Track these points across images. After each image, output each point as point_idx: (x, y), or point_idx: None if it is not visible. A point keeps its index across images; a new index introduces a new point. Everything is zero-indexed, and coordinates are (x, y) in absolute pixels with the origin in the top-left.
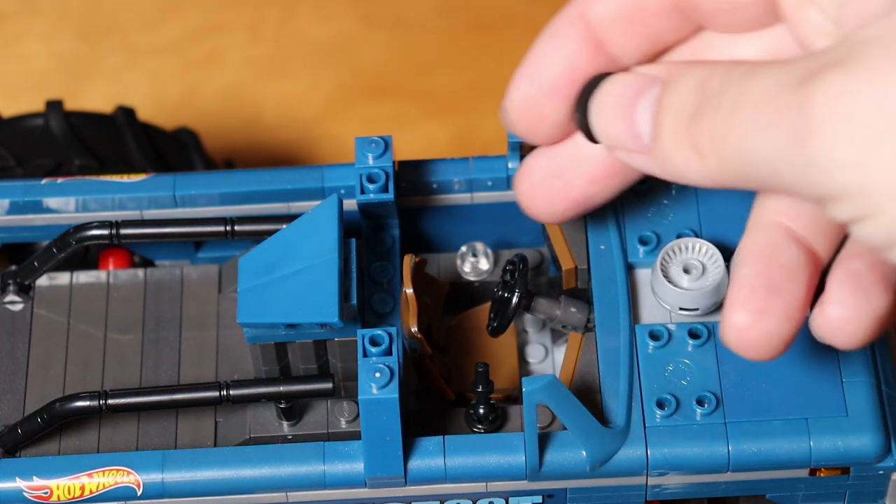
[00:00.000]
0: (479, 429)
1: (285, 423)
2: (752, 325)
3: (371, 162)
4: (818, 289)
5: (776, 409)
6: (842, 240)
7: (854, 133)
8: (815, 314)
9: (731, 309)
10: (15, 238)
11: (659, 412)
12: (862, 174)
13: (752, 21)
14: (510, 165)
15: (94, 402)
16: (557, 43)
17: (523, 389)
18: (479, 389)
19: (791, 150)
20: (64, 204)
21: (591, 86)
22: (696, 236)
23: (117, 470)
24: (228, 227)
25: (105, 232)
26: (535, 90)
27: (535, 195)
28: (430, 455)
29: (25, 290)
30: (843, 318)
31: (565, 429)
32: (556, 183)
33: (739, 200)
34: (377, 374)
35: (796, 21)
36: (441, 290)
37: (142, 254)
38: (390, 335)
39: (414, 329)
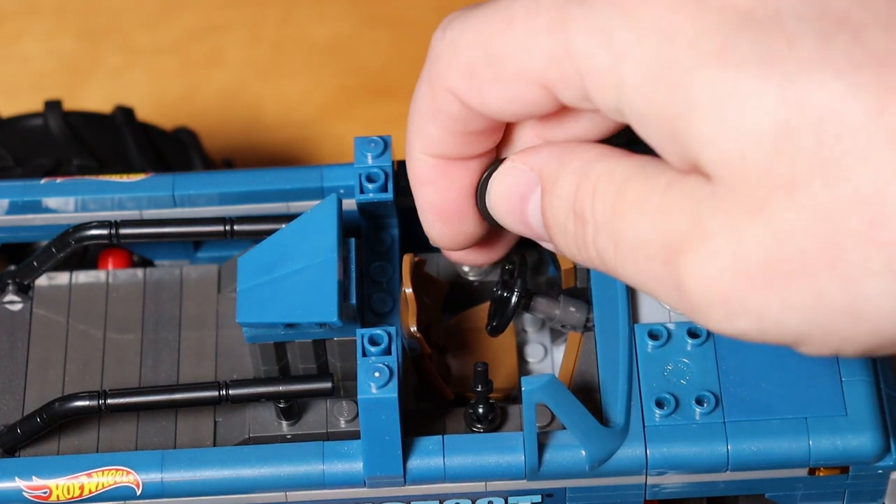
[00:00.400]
0: (478, 428)
1: (284, 423)
2: None
3: (370, 161)
4: None
5: (775, 408)
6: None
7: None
8: None
9: None
10: (14, 238)
11: (658, 411)
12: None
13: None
14: None
15: (94, 402)
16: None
17: (522, 389)
18: (479, 389)
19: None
20: (63, 204)
21: (484, 185)
22: None
23: (116, 470)
24: (228, 227)
25: (104, 232)
26: (440, 200)
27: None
28: (430, 454)
29: (25, 290)
30: None
31: (564, 428)
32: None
33: None
34: (376, 374)
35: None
36: (440, 290)
37: (141, 254)
38: (389, 335)
39: (413, 329)
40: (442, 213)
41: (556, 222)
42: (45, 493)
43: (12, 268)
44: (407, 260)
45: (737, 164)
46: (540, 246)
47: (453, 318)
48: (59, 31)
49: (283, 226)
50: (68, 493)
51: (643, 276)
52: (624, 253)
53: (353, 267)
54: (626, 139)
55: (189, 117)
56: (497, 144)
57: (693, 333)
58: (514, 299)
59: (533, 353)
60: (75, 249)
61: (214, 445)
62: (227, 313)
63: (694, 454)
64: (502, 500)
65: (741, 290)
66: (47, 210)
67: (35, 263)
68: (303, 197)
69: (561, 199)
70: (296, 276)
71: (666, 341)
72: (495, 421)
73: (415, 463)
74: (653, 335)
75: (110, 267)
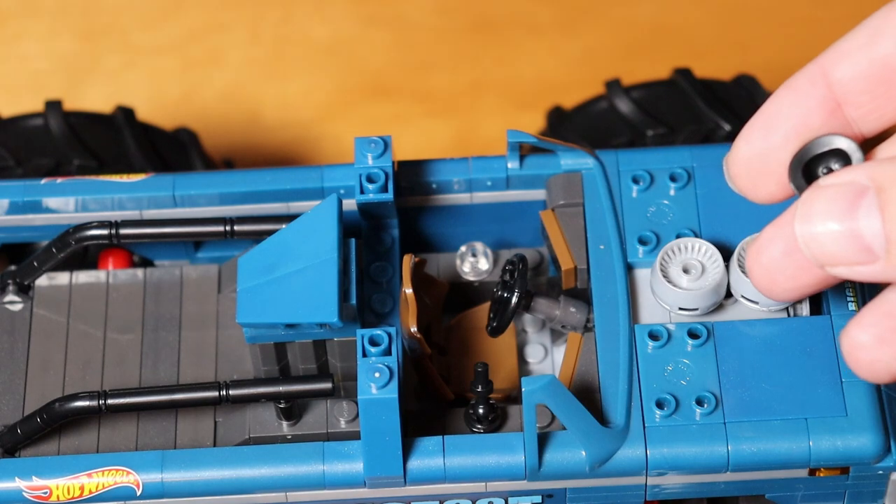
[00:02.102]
0: (478, 429)
1: (285, 423)
2: (867, 347)
3: (370, 162)
4: None
5: (775, 409)
6: None
7: None
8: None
9: (856, 323)
10: (14, 238)
11: (658, 412)
12: None
13: None
14: (510, 165)
15: (94, 402)
16: (795, 99)
17: (523, 389)
18: (479, 389)
19: None
20: (63, 204)
21: (805, 153)
22: (696, 236)
23: (117, 470)
24: (228, 227)
25: (104, 232)
26: (765, 144)
27: (774, 272)
28: (430, 455)
29: (25, 290)
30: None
31: (565, 429)
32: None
33: (738, 201)
34: (376, 374)
35: None
36: (440, 290)
37: (141, 254)
38: (390, 335)
39: (413, 329)
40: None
41: None
42: (45, 493)
43: (12, 268)
44: (407, 260)
45: None
46: (539, 246)
47: (453, 318)
48: (59, 31)
49: (284, 226)
50: (68, 493)
51: None
52: None
53: (353, 267)
54: None
55: (189, 117)
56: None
57: (693, 334)
58: (514, 300)
59: (533, 353)
60: (75, 249)
61: (214, 446)
62: (227, 313)
63: (694, 455)
64: (502, 501)
65: None
66: (47, 210)
67: (35, 263)
68: (303, 197)
69: None
70: (296, 277)
71: (666, 342)
72: (495, 421)
73: (415, 463)
74: (653, 336)
75: (110, 267)
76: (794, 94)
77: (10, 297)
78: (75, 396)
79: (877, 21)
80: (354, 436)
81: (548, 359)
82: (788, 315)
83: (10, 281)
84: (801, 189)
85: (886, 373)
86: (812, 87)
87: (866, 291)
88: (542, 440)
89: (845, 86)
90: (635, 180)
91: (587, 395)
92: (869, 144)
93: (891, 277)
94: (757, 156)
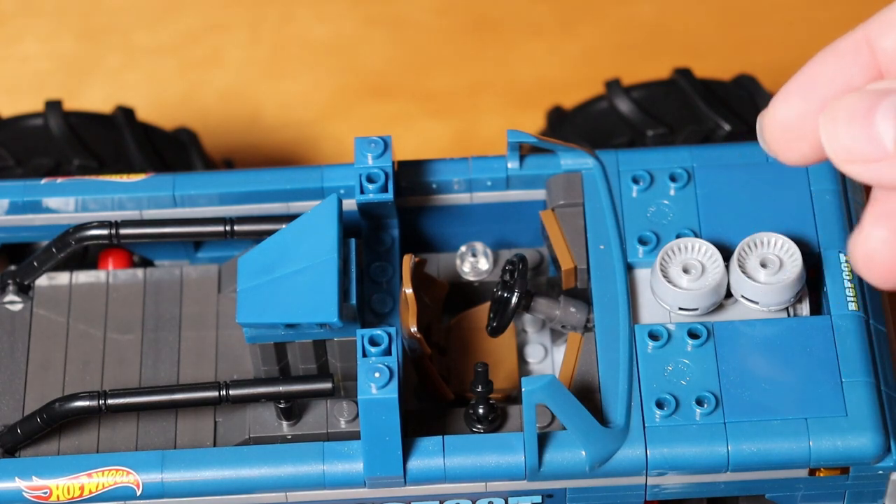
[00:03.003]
0: (478, 429)
1: (285, 423)
2: (883, 244)
3: (370, 162)
4: None
5: (775, 409)
6: None
7: None
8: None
9: (873, 219)
10: (14, 238)
11: (658, 412)
12: None
13: None
14: (510, 165)
15: (94, 402)
16: (838, 63)
17: (523, 389)
18: (479, 389)
19: None
20: (63, 204)
21: None
22: (696, 236)
23: (117, 470)
24: (228, 227)
25: (104, 232)
26: (805, 106)
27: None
28: (430, 455)
29: (25, 290)
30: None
31: (565, 429)
32: None
33: (738, 201)
34: (376, 374)
35: None
36: (440, 290)
37: (141, 254)
38: (389, 335)
39: (413, 329)
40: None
41: None
42: (45, 493)
43: (12, 268)
44: (407, 260)
45: None
46: (539, 246)
47: (453, 318)
48: (59, 31)
49: (284, 226)
50: (68, 493)
51: None
52: None
53: (353, 267)
54: None
55: (189, 117)
56: None
57: (693, 334)
58: (514, 300)
59: (533, 353)
60: (75, 249)
61: (215, 446)
62: (227, 313)
63: (694, 455)
64: (502, 501)
65: None
66: (47, 210)
67: (35, 263)
68: (303, 197)
69: None
70: (296, 277)
71: (666, 342)
72: (495, 421)
73: (415, 463)
74: (653, 336)
75: (110, 267)
76: (839, 59)
77: (10, 297)
78: (75, 396)
79: None
80: (354, 436)
81: (548, 359)
82: (788, 315)
83: (10, 281)
84: None
85: None
86: (857, 53)
87: (866, 291)
88: (542, 440)
89: (890, 55)
90: (635, 180)
91: (587, 395)
92: None
93: None
94: (795, 118)
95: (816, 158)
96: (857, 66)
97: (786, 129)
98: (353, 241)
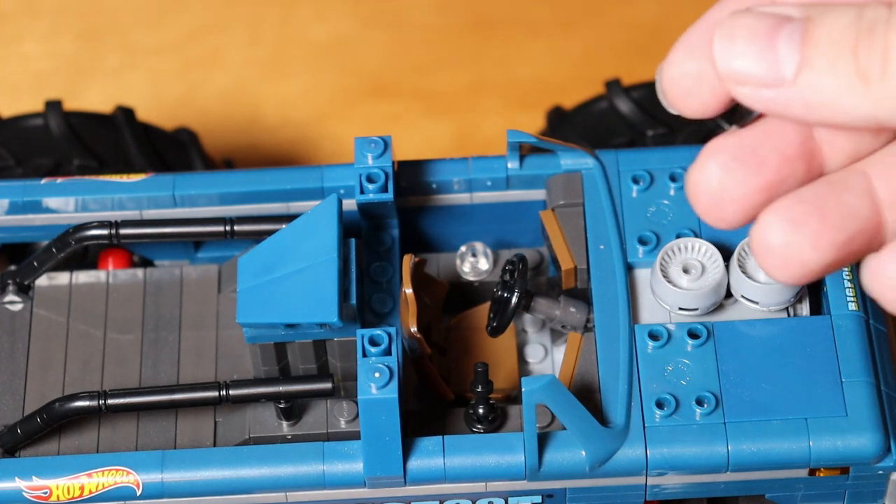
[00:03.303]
0: (478, 429)
1: (285, 423)
2: (780, 231)
3: (370, 162)
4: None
5: (775, 409)
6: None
7: None
8: (869, 263)
9: (769, 210)
10: (14, 238)
11: (658, 412)
12: None
13: None
14: (510, 165)
15: (94, 402)
16: (731, 8)
17: (523, 389)
18: (479, 389)
19: None
20: (63, 204)
21: None
22: (696, 236)
23: (117, 470)
24: (228, 227)
25: (104, 232)
26: (699, 55)
27: (723, 184)
28: (430, 455)
29: (25, 290)
30: None
31: (565, 429)
32: (749, 162)
33: None
34: (376, 374)
35: None
36: (440, 290)
37: (141, 254)
38: (389, 335)
39: (413, 329)
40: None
41: (827, 36)
42: (45, 493)
43: (12, 268)
44: (407, 260)
45: None
46: (540, 246)
47: (453, 318)
48: (59, 31)
49: (284, 226)
50: (68, 493)
51: None
52: None
53: (353, 267)
54: None
55: (189, 117)
56: None
57: (693, 334)
58: (514, 300)
59: (533, 353)
60: (75, 249)
61: (214, 446)
62: (227, 313)
63: (694, 455)
64: (502, 501)
65: None
66: (47, 210)
67: (35, 263)
68: (303, 197)
69: (844, 17)
70: (296, 277)
71: (666, 342)
72: (495, 421)
73: (415, 463)
74: (653, 336)
75: (110, 267)
76: (728, 3)
77: (10, 297)
78: (75, 396)
79: None
80: (354, 436)
81: (548, 359)
82: (788, 315)
83: (10, 281)
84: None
85: (798, 263)
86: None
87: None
88: (542, 440)
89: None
90: (635, 180)
91: (587, 395)
92: None
93: (790, 107)
94: (695, 70)
95: (717, 108)
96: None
97: (685, 77)
98: (353, 241)
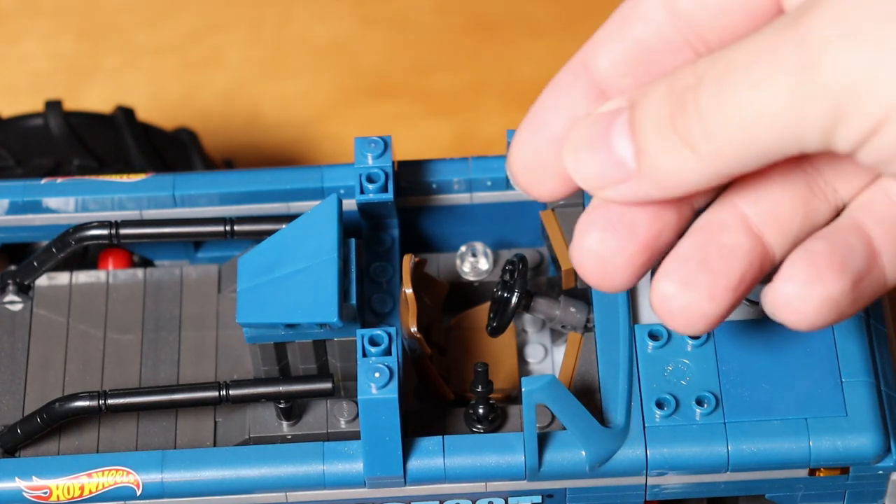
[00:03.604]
0: (478, 429)
1: (285, 423)
2: (676, 295)
3: (370, 162)
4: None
5: (775, 409)
6: (801, 236)
7: (864, 41)
8: (767, 289)
9: (659, 276)
10: (14, 238)
11: (658, 412)
12: (874, 79)
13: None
14: None
15: (94, 402)
16: (559, 94)
17: (523, 389)
18: (479, 389)
19: (799, 85)
20: (63, 204)
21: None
22: None
23: (117, 470)
24: (228, 227)
25: (104, 232)
26: (539, 143)
27: (602, 250)
28: (430, 455)
29: (25, 290)
30: (792, 295)
31: (565, 429)
32: (621, 229)
33: None
34: (376, 374)
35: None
36: (440, 290)
37: (141, 254)
38: (389, 335)
39: (413, 329)
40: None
41: (648, 119)
42: (45, 493)
43: (12, 268)
44: (407, 260)
45: None
46: (540, 246)
47: (453, 318)
48: (59, 31)
49: (284, 226)
50: (68, 493)
51: (771, 93)
52: (735, 70)
53: (353, 267)
54: None
55: (189, 117)
56: None
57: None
58: (514, 300)
59: (533, 353)
60: (75, 249)
61: (215, 445)
62: (227, 313)
63: (694, 455)
64: (502, 501)
65: None
66: (47, 210)
67: (35, 263)
68: (303, 197)
69: (657, 93)
70: (296, 277)
71: (666, 342)
72: (495, 421)
73: (415, 463)
74: (653, 336)
75: (110, 267)
76: (559, 90)
77: (10, 297)
78: (75, 396)
79: (625, 9)
80: (354, 436)
81: (548, 359)
82: None
83: (10, 281)
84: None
85: (701, 318)
86: (576, 79)
87: None
88: (542, 440)
89: (605, 72)
90: None
91: (587, 395)
92: None
93: (647, 193)
94: (532, 155)
95: (566, 191)
96: (577, 91)
97: (528, 169)
98: (353, 241)
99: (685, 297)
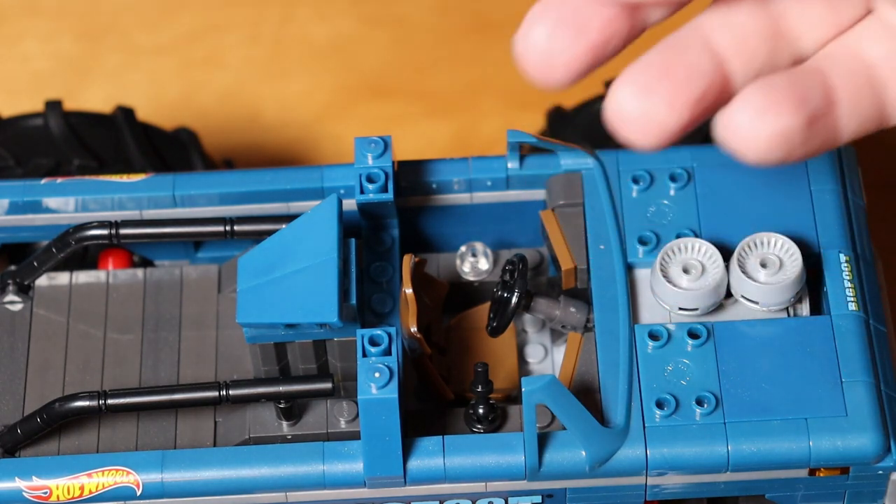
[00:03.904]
0: (478, 429)
1: (285, 423)
2: (634, 101)
3: (370, 162)
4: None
5: (776, 409)
6: (763, 72)
7: None
8: (721, 114)
9: (618, 82)
10: (14, 238)
11: (658, 412)
12: None
13: None
14: (510, 165)
15: (94, 402)
16: None
17: (523, 389)
18: (479, 389)
19: None
20: (63, 204)
21: None
22: (696, 236)
23: (117, 470)
24: (228, 227)
25: (104, 232)
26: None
27: (549, 46)
28: (430, 455)
29: (25, 290)
30: (745, 122)
31: (565, 429)
32: (572, 26)
33: (738, 201)
34: (376, 374)
35: None
36: (440, 290)
37: (141, 254)
38: (389, 335)
39: (413, 329)
40: None
41: None
42: (45, 493)
43: (12, 268)
44: (407, 260)
45: None
46: (539, 246)
47: (453, 318)
48: (59, 31)
49: (284, 226)
50: (68, 493)
51: None
52: None
53: (353, 267)
54: None
55: (189, 117)
56: None
57: (693, 334)
58: (514, 300)
59: (533, 353)
60: (75, 249)
61: (215, 446)
62: (227, 313)
63: (694, 455)
64: (502, 501)
65: None
66: (47, 210)
67: (35, 263)
68: (303, 197)
69: None
70: (296, 277)
71: (666, 342)
72: (495, 421)
73: (415, 463)
74: (653, 336)
75: (110, 267)
76: None
77: (10, 297)
78: (75, 396)
79: None
80: (354, 436)
81: (548, 359)
82: (788, 315)
83: (10, 281)
84: None
85: (657, 126)
86: None
87: (866, 291)
88: (542, 440)
89: None
90: (635, 180)
91: (587, 395)
92: None
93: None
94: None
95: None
96: None
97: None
98: (353, 241)
99: (644, 102)
